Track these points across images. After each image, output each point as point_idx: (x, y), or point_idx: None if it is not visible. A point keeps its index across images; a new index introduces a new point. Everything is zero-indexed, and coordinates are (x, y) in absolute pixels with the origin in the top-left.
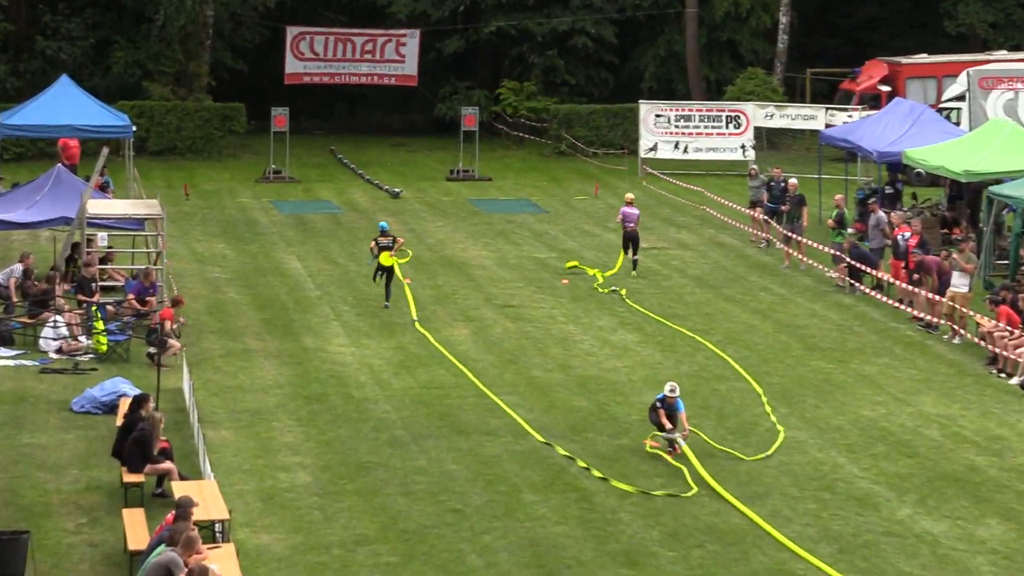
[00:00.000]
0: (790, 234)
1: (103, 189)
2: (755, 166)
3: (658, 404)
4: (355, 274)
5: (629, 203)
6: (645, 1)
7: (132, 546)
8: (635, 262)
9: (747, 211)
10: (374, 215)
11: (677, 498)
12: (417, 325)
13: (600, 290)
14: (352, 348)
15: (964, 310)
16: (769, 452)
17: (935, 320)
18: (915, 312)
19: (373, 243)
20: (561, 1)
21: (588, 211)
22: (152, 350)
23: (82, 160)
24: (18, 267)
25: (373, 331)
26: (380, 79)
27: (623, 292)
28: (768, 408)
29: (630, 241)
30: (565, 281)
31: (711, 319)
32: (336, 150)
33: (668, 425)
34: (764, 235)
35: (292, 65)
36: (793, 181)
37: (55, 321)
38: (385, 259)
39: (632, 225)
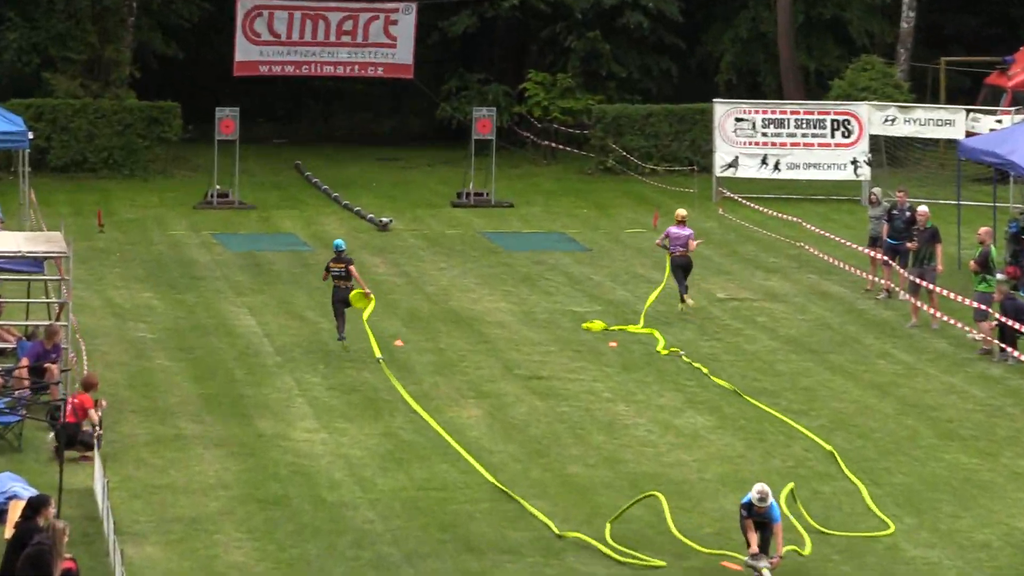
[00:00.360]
0: (919, 281)
1: None
2: (876, 189)
3: (744, 513)
4: (328, 333)
5: (680, 221)
6: None
7: None
8: (685, 288)
9: (862, 250)
10: (353, 253)
11: None
12: (384, 367)
13: (661, 352)
14: (323, 434)
15: None
16: None
17: None
18: None
19: (325, 272)
20: None
21: (644, 248)
22: (53, 436)
23: None
24: None
25: (352, 411)
26: (363, 69)
27: (699, 365)
28: (887, 518)
29: (680, 271)
30: (613, 344)
31: (811, 396)
32: (303, 165)
33: (753, 546)
34: (884, 282)
35: (244, 50)
36: (923, 209)
37: None
38: (356, 299)
39: (682, 250)
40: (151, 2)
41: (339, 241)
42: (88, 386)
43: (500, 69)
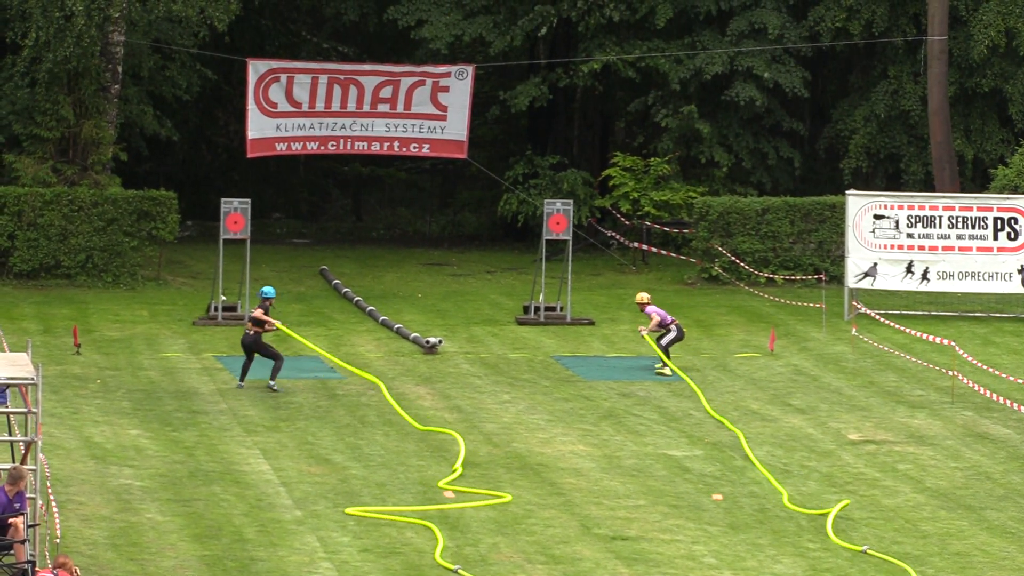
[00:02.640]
0: None
1: None
2: None
3: None
4: (360, 482)
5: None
6: (854, 24)
7: None
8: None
9: None
10: (392, 382)
11: None
12: (443, 486)
13: (790, 507)
14: None
15: None
16: None
17: None
18: None
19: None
20: (713, 24)
21: (756, 378)
22: None
23: None
24: None
25: None
26: (405, 147)
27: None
28: None
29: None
30: (718, 496)
31: (965, 562)
32: (329, 272)
33: None
34: None
35: (258, 125)
36: None
37: None
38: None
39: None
40: (140, 69)
41: (269, 289)
42: (61, 566)
43: (579, 150)
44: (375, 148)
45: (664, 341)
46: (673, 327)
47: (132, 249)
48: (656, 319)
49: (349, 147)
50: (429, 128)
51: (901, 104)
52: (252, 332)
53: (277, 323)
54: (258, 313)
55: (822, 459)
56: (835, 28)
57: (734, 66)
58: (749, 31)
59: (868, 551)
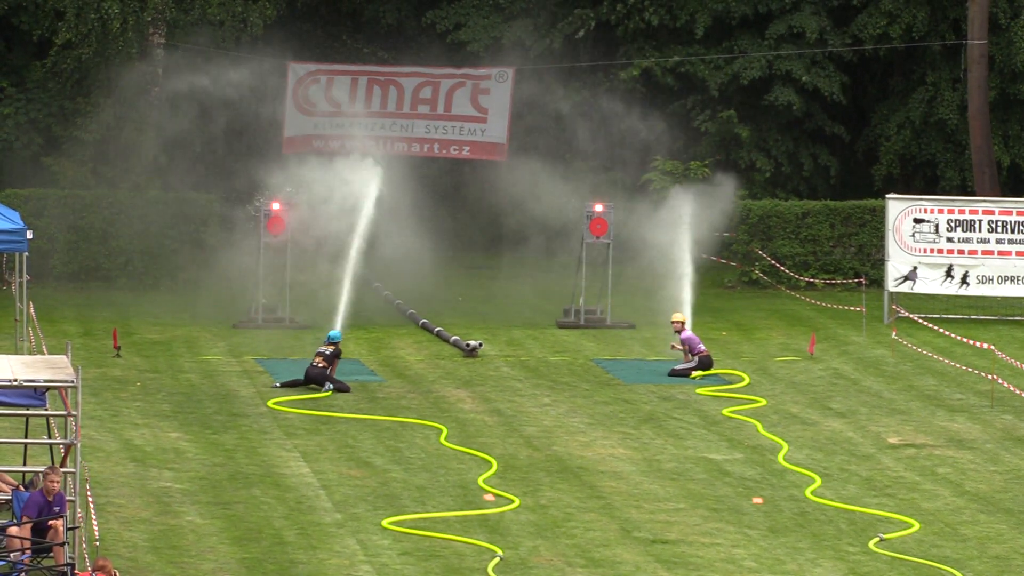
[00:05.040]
0: None
1: None
2: None
3: None
4: (400, 485)
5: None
6: (894, 28)
7: None
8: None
9: None
10: (433, 384)
11: None
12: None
13: (885, 544)
14: None
15: None
16: None
17: None
18: None
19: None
20: (752, 28)
21: (798, 382)
22: None
23: None
24: None
25: None
26: (445, 149)
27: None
28: None
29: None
30: (758, 500)
31: (1005, 566)
32: (373, 279)
33: None
34: None
35: (295, 124)
36: None
37: None
38: None
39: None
40: (179, 69)
41: (336, 332)
42: (99, 569)
43: (618, 155)
44: (415, 150)
45: (679, 367)
46: (697, 358)
47: (172, 252)
48: (687, 346)
49: (388, 149)
50: (469, 130)
51: (938, 112)
52: (320, 366)
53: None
54: (330, 356)
55: (862, 463)
56: (876, 34)
57: (773, 70)
58: (788, 35)
59: (883, 537)
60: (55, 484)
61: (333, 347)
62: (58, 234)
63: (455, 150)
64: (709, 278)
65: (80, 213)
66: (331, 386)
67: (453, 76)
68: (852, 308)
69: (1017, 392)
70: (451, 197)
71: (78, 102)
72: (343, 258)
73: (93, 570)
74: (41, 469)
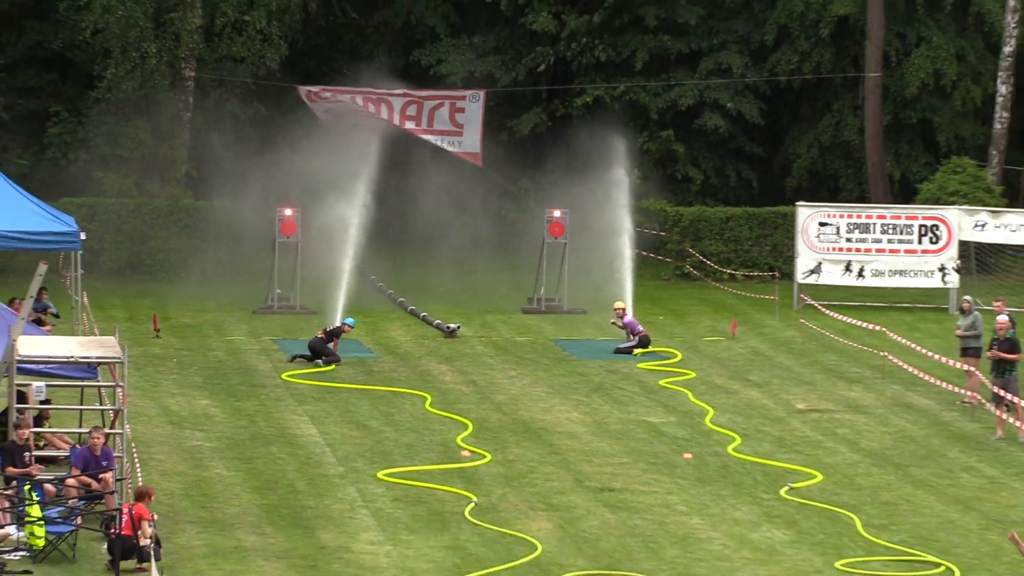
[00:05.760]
0: (1002, 392)
1: (39, 323)
2: (968, 297)
3: None
4: (392, 443)
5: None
6: (805, 64)
7: None
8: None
9: (948, 361)
10: (420, 361)
11: None
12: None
13: (794, 492)
14: (388, 547)
15: None
16: None
17: None
18: None
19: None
20: (685, 63)
21: (721, 358)
22: (108, 548)
23: (10, 280)
24: None
25: (417, 523)
26: (435, 139)
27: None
28: None
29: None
30: (688, 455)
31: (892, 511)
32: (367, 270)
33: None
34: (971, 395)
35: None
36: (1002, 319)
37: None
38: None
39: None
40: (207, 96)
41: (351, 320)
42: (141, 496)
43: (573, 169)
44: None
45: (622, 346)
46: (638, 337)
47: (201, 250)
48: (628, 328)
49: (389, 123)
50: (448, 142)
51: (841, 134)
52: (319, 337)
53: (332, 365)
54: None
55: (774, 425)
56: (790, 69)
57: (703, 98)
58: (716, 69)
59: (792, 486)
60: (98, 441)
61: (339, 327)
62: (106, 235)
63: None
64: (648, 272)
65: (125, 218)
66: (324, 359)
67: (434, 97)
68: (767, 297)
69: (904, 366)
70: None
71: (122, 125)
72: (344, 256)
73: (136, 498)
74: (83, 430)
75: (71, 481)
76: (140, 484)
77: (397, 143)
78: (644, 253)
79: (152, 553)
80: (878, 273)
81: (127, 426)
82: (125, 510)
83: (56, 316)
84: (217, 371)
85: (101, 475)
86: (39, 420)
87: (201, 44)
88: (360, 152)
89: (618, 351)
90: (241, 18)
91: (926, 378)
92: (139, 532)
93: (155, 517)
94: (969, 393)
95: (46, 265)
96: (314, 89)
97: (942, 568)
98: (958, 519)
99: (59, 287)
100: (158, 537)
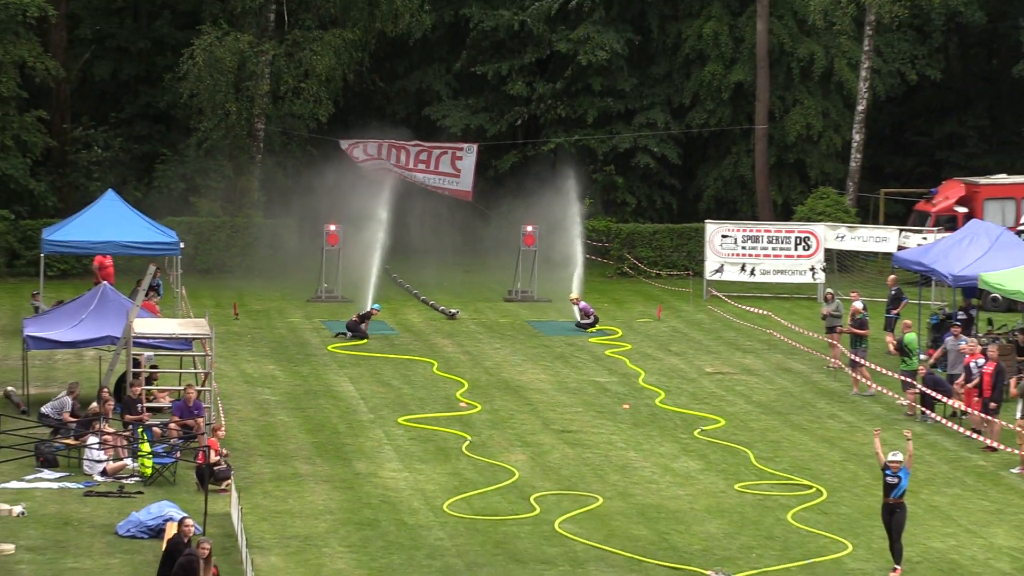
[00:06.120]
0: (857, 359)
1: (151, 303)
2: (830, 290)
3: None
4: (409, 397)
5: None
6: (712, 119)
7: None
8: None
9: (817, 336)
10: (429, 336)
11: None
12: (460, 397)
13: (704, 433)
14: (405, 473)
15: None
16: None
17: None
18: (989, 442)
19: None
20: (623, 118)
21: (650, 334)
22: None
23: (129, 277)
24: (68, 400)
25: (427, 456)
26: (434, 190)
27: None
28: (841, 539)
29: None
30: (626, 406)
31: (777, 447)
32: (391, 269)
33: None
34: (835, 361)
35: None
36: (856, 304)
37: (100, 443)
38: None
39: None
40: (274, 144)
41: (377, 305)
42: (212, 431)
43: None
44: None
45: (583, 322)
46: (592, 316)
47: (269, 255)
48: (581, 312)
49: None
50: (448, 181)
51: (738, 171)
52: (354, 319)
53: (356, 343)
54: (365, 317)
55: (689, 383)
56: (700, 123)
57: (637, 144)
58: (646, 123)
59: (703, 429)
60: (192, 395)
61: (369, 311)
62: (199, 244)
63: (440, 191)
64: (596, 271)
65: (212, 232)
66: (347, 331)
67: (439, 147)
68: (683, 290)
69: (784, 340)
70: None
71: (210, 164)
72: (372, 260)
73: (213, 432)
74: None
75: (172, 425)
76: (213, 422)
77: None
78: (592, 257)
79: (225, 473)
80: (765, 272)
81: (214, 384)
82: (211, 444)
83: (159, 295)
84: (280, 344)
85: (194, 421)
86: (149, 380)
87: (269, 105)
88: (383, 186)
89: (578, 325)
90: (299, 85)
91: (802, 348)
92: (216, 457)
93: (224, 451)
94: (833, 360)
95: (155, 267)
96: (351, 141)
97: (813, 489)
98: (825, 453)
99: (165, 282)
100: (228, 463)
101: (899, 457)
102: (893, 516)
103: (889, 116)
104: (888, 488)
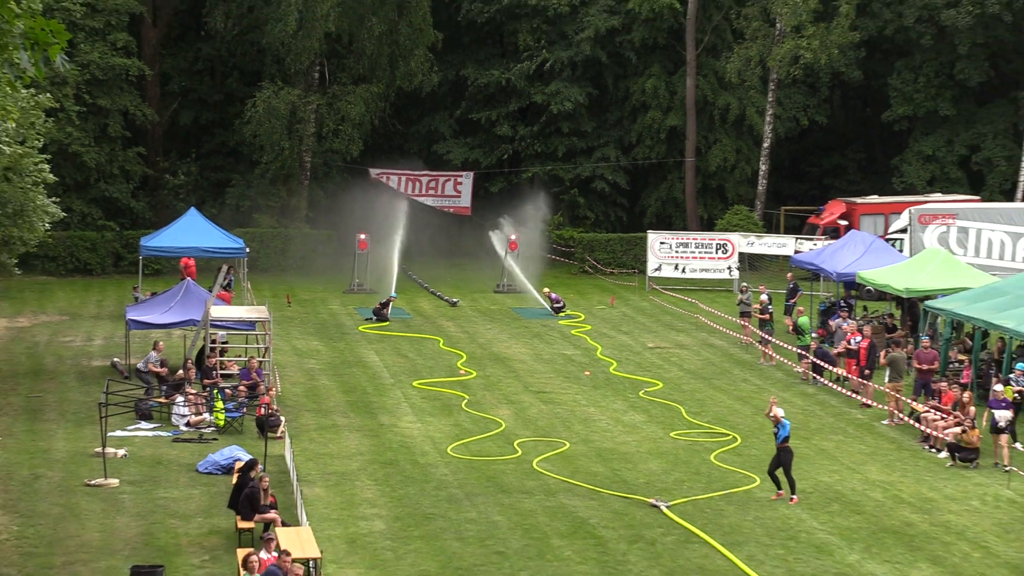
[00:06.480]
0: (766, 336)
1: (225, 294)
2: (744, 284)
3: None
4: (421, 366)
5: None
6: (652, 153)
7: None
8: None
9: (733, 319)
10: (436, 319)
11: (675, 541)
12: (460, 365)
13: (647, 393)
14: (419, 424)
15: (902, 398)
16: (728, 492)
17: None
18: (865, 401)
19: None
20: (585, 153)
21: (605, 318)
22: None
23: (206, 275)
24: (153, 354)
25: (435, 411)
26: (441, 208)
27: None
28: (753, 476)
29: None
30: (587, 373)
31: (703, 404)
32: (407, 268)
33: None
34: (746, 339)
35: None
36: (763, 297)
37: (184, 401)
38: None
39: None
40: (317, 172)
41: (394, 294)
42: (267, 391)
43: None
44: (429, 203)
45: (557, 306)
46: (561, 302)
47: (314, 257)
48: (553, 300)
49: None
50: (451, 201)
51: (672, 193)
52: (378, 306)
53: (381, 325)
54: (386, 304)
55: (635, 355)
56: (644, 155)
57: (595, 173)
58: (602, 157)
59: (647, 391)
60: (254, 364)
61: (388, 299)
62: (260, 249)
63: (446, 208)
64: (563, 270)
65: (270, 240)
66: (374, 316)
67: (444, 175)
68: (631, 284)
69: (707, 322)
70: (442, 233)
71: (269, 187)
72: (392, 261)
73: (266, 391)
74: (249, 358)
75: (240, 388)
76: (271, 383)
77: (420, 197)
78: (560, 259)
79: (277, 421)
80: (693, 270)
81: (271, 356)
82: (264, 401)
83: (230, 287)
84: (323, 325)
85: (256, 384)
86: (222, 353)
87: (314, 143)
88: (401, 206)
89: (554, 310)
90: (337, 127)
91: (720, 329)
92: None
93: (276, 406)
94: (744, 338)
95: (227, 266)
96: (378, 170)
97: (730, 436)
98: (739, 409)
99: (236, 279)
100: (280, 415)
101: (781, 413)
102: (780, 456)
103: (787, 151)
104: (775, 436)
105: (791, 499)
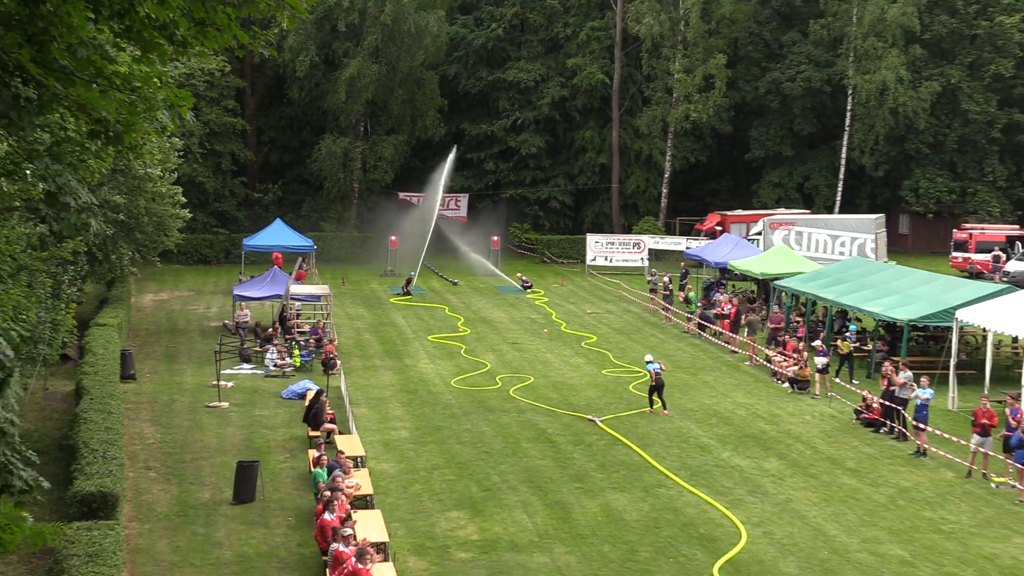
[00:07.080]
0: (667, 306)
1: (302, 272)
2: (653, 269)
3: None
4: (433, 326)
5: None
6: (589, 181)
7: (313, 468)
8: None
9: (645, 294)
10: (443, 294)
11: (606, 444)
12: (460, 325)
13: (587, 344)
14: (432, 365)
15: (758, 347)
16: (645, 410)
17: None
18: (733, 349)
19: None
20: (544, 181)
21: (559, 292)
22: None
23: (288, 264)
24: (243, 312)
25: (443, 356)
26: (447, 219)
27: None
28: (653, 398)
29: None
30: (546, 331)
31: (624, 351)
32: (425, 260)
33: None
34: (654, 308)
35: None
36: (665, 280)
37: (274, 349)
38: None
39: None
40: (362, 194)
41: (413, 275)
42: (331, 342)
43: (503, 222)
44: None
45: (525, 285)
46: (528, 282)
47: (360, 252)
48: (521, 283)
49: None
50: (453, 213)
51: (604, 209)
52: (403, 285)
53: (406, 298)
54: (408, 283)
55: (578, 319)
56: (583, 183)
57: (551, 195)
58: (555, 184)
59: (585, 343)
60: (321, 325)
61: (410, 278)
62: (324, 247)
63: (449, 212)
64: (531, 261)
65: (331, 240)
66: (401, 291)
67: (448, 196)
68: (576, 270)
69: (627, 296)
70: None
71: (329, 204)
72: (417, 255)
73: (329, 342)
74: (317, 321)
75: (311, 340)
76: (332, 338)
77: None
78: (527, 252)
79: (335, 363)
80: (617, 261)
81: (331, 320)
82: (328, 349)
83: (305, 271)
84: (366, 299)
85: (321, 339)
86: (297, 316)
87: (360, 174)
88: (421, 217)
89: (523, 287)
90: (376, 163)
91: (636, 300)
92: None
93: (335, 353)
94: (652, 306)
95: (302, 258)
96: (403, 193)
97: (641, 373)
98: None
99: (310, 268)
100: (337, 359)
101: (651, 358)
102: (658, 385)
103: (681, 180)
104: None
105: (664, 412)
